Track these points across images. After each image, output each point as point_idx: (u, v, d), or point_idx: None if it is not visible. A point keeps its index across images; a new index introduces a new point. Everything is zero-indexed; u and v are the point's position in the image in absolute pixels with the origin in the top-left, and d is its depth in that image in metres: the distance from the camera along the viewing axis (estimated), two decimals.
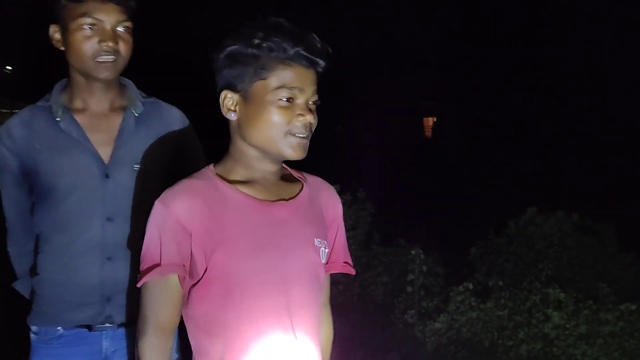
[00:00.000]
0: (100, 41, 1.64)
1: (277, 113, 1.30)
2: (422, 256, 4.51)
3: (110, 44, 1.65)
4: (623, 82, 13.55)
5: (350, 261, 1.52)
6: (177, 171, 1.84)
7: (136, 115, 1.77)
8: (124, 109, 1.77)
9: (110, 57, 1.66)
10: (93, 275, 1.72)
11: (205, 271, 1.30)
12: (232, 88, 1.33)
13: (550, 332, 3.80)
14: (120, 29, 1.68)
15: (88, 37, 1.64)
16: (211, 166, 1.39)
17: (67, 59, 1.70)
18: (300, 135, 1.32)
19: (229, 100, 1.34)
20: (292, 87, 1.30)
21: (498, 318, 4.06)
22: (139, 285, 1.32)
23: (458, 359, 3.95)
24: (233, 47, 1.32)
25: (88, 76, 1.70)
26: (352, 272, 1.52)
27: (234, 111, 1.35)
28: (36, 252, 1.79)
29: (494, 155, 12.69)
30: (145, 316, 1.31)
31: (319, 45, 1.32)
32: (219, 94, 1.36)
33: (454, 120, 19.96)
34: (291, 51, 1.29)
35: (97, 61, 1.66)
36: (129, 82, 1.82)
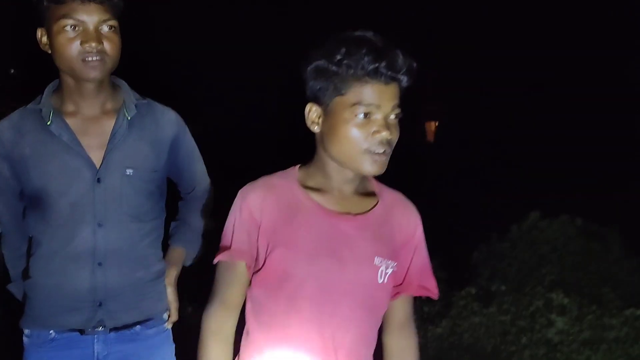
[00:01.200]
0: (82, 42, 1.62)
1: (354, 129, 1.34)
2: None
3: (94, 44, 1.62)
4: (631, 84, 13.55)
5: (429, 285, 1.51)
6: (174, 175, 1.83)
7: (129, 118, 1.74)
8: (116, 111, 1.74)
9: (96, 57, 1.63)
10: (84, 280, 1.71)
11: (263, 264, 1.40)
12: (317, 101, 1.38)
13: (553, 338, 3.78)
14: (104, 28, 1.64)
15: (71, 39, 1.62)
16: (296, 168, 1.45)
17: (55, 61, 1.68)
18: (378, 152, 1.33)
19: (313, 113, 1.39)
20: (368, 104, 1.32)
21: (501, 323, 4.04)
22: (214, 262, 1.44)
23: None
24: (318, 62, 1.35)
25: (77, 78, 1.67)
26: (432, 296, 1.52)
27: (318, 124, 1.39)
28: (28, 255, 1.77)
29: (496, 159, 12.69)
30: (213, 291, 1.44)
31: (400, 62, 1.32)
32: (306, 105, 1.40)
33: (456, 124, 19.97)
34: (368, 68, 1.31)
35: (83, 61, 1.63)
36: (122, 83, 1.79)
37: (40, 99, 1.74)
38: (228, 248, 1.40)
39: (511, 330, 3.99)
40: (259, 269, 1.41)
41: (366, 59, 1.31)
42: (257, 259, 1.41)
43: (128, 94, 1.78)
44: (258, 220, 1.38)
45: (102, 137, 1.72)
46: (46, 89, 1.76)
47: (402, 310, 1.52)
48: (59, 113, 1.71)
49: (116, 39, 1.67)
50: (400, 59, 1.33)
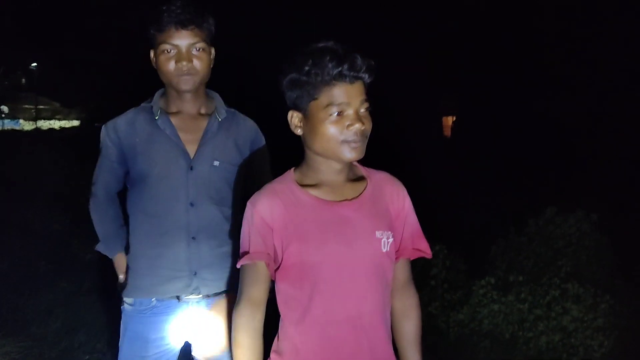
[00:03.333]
0: (176, 61, 2.00)
1: (330, 127, 1.56)
2: (445, 251, 4.71)
3: (185, 63, 2.00)
4: None
5: (423, 247, 1.72)
6: (247, 172, 2.13)
7: (219, 120, 2.11)
8: (210, 115, 2.12)
9: (187, 74, 2.01)
10: (181, 251, 2.03)
11: (282, 259, 1.58)
12: (296, 108, 1.61)
13: (568, 325, 3.96)
14: (194, 51, 2.02)
15: (168, 59, 2.02)
16: (292, 171, 1.66)
17: (160, 77, 2.06)
18: (353, 142, 1.56)
19: (295, 118, 1.62)
20: (339, 103, 1.55)
21: (519, 311, 4.23)
22: (238, 267, 1.61)
23: (480, 349, 4.14)
24: (290, 75, 1.58)
25: (174, 88, 2.05)
26: (426, 255, 1.73)
27: (300, 127, 1.62)
28: (129, 233, 2.12)
29: (514, 154, 12.75)
30: (240, 291, 1.60)
31: (360, 63, 1.55)
32: (287, 113, 1.63)
33: (474, 120, 19.95)
34: (333, 72, 1.53)
35: (177, 77, 2.01)
36: (215, 94, 2.18)
37: (151, 99, 2.13)
38: (247, 252, 1.57)
39: (528, 317, 4.18)
40: (279, 266, 1.58)
41: (330, 65, 1.51)
42: (275, 257, 1.58)
43: (220, 102, 2.18)
44: (270, 224, 1.56)
45: (197, 134, 2.09)
46: (156, 93, 2.15)
47: (402, 272, 1.72)
48: (165, 112, 2.10)
49: (205, 57, 2.05)
50: (360, 60, 1.53)
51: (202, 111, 2.13)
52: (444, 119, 26.39)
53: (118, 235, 2.17)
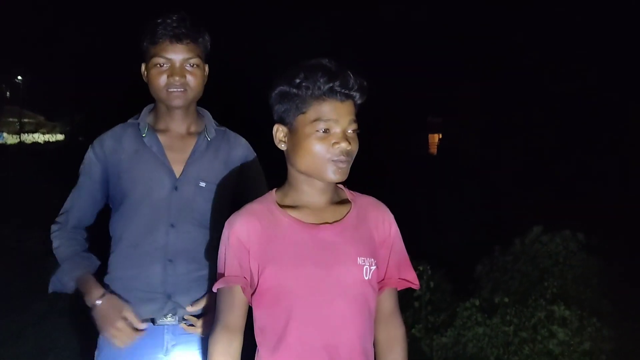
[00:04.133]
0: (169, 76, 1.94)
1: (316, 143, 1.49)
2: (429, 272, 4.61)
3: (177, 78, 1.93)
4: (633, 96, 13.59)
5: (410, 277, 1.64)
6: (239, 193, 2.04)
7: (209, 139, 2.04)
8: (199, 133, 2.04)
9: (179, 89, 1.94)
10: (157, 273, 1.95)
11: (258, 283, 1.50)
12: (282, 122, 1.54)
13: (554, 348, 3.87)
14: (188, 66, 1.95)
15: (160, 73, 1.95)
16: (273, 191, 1.59)
17: (150, 91, 1.99)
18: (338, 161, 1.49)
19: (280, 132, 1.55)
20: (327, 119, 1.48)
21: (504, 334, 4.13)
22: (214, 290, 1.55)
23: None
24: (280, 87, 1.52)
25: (164, 104, 1.98)
26: (414, 286, 1.65)
27: (284, 142, 1.55)
28: (108, 253, 2.02)
29: (499, 172, 12.78)
30: (216, 317, 1.54)
31: (352, 81, 1.50)
32: (273, 127, 1.56)
33: (459, 137, 20.05)
34: (324, 88, 1.48)
35: (168, 91, 1.94)
36: (205, 112, 2.11)
37: (139, 115, 2.06)
38: (223, 275, 1.51)
39: (514, 340, 4.08)
40: (255, 290, 1.52)
41: (322, 80, 1.47)
42: (251, 281, 1.51)
43: (209, 121, 2.10)
44: (247, 246, 1.50)
45: (185, 153, 2.02)
46: (144, 109, 2.08)
47: (387, 303, 1.64)
48: (153, 129, 2.02)
49: (198, 73, 1.98)
50: (352, 78, 1.50)
51: (192, 129, 2.06)
52: (430, 136, 26.53)
53: (87, 256, 2.03)
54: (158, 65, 1.94)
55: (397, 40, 20.28)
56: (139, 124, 2.03)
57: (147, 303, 1.96)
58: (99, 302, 1.91)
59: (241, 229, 1.51)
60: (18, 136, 30.95)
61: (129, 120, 2.07)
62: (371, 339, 1.58)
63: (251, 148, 2.15)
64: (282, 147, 1.56)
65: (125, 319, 1.90)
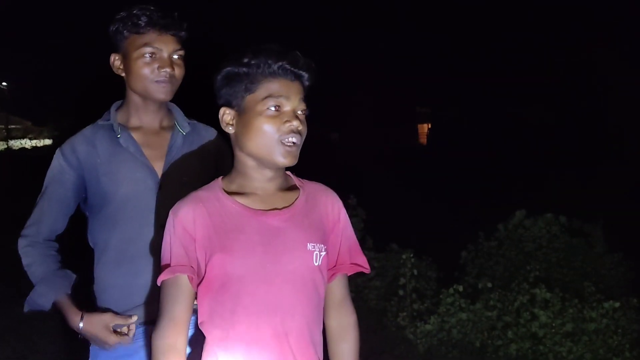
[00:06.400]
0: (159, 67, 1.86)
1: (267, 122, 1.45)
2: (413, 260, 4.61)
3: (168, 69, 1.87)
4: (616, 81, 13.67)
5: (361, 261, 1.61)
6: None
7: (183, 133, 1.98)
8: (171, 128, 1.98)
9: (167, 81, 1.88)
10: (152, 277, 1.85)
11: (205, 272, 1.46)
12: (229, 105, 1.50)
13: (537, 331, 3.89)
14: (175, 56, 1.89)
15: (148, 64, 1.87)
16: (219, 179, 1.55)
17: (128, 83, 1.92)
18: (290, 142, 1.46)
19: (227, 115, 1.51)
20: (278, 96, 1.45)
21: (487, 319, 4.15)
22: (158, 283, 1.48)
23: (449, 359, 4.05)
24: (227, 69, 1.48)
25: (146, 97, 1.91)
26: (365, 270, 1.62)
27: (232, 125, 1.51)
28: (94, 265, 1.94)
29: (484, 160, 12.82)
30: (161, 310, 1.47)
31: (301, 61, 1.48)
32: (219, 112, 1.52)
33: (448, 127, 20.08)
34: (275, 66, 1.45)
35: (155, 82, 1.87)
36: (173, 106, 2.03)
37: (108, 115, 1.96)
38: (168, 266, 1.45)
39: (497, 325, 4.11)
40: (201, 280, 1.46)
41: (272, 58, 1.45)
42: (198, 271, 1.45)
43: (180, 114, 2.02)
44: (193, 234, 1.44)
45: (161, 150, 1.95)
46: (112, 107, 1.98)
47: (338, 290, 1.61)
48: (125, 128, 1.94)
49: (183, 65, 1.92)
50: (301, 58, 1.48)
51: (164, 124, 1.99)
52: (420, 126, 26.52)
53: (62, 274, 1.91)
54: (146, 56, 1.86)
55: (386, 30, 20.25)
56: (112, 125, 1.93)
57: (144, 308, 1.88)
58: (81, 324, 1.83)
59: (186, 216, 1.46)
60: (5, 142, 30.74)
61: (98, 122, 1.97)
62: (320, 327, 1.55)
63: (220, 136, 2.05)
64: (230, 130, 1.51)
65: (113, 330, 1.82)
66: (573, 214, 5.29)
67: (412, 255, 4.60)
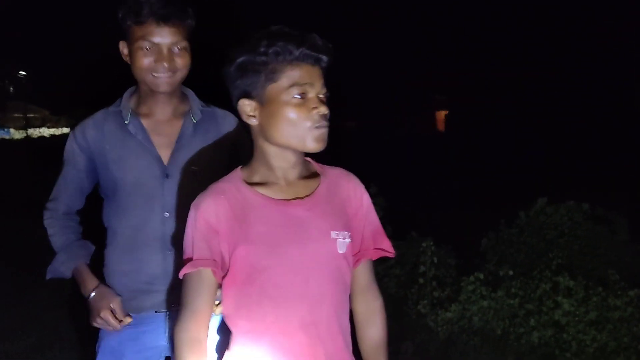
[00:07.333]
0: (156, 60, 1.85)
1: (294, 110, 1.41)
2: (433, 248, 4.58)
3: (165, 63, 1.85)
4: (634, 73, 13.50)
5: (385, 246, 1.58)
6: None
7: (194, 121, 1.95)
8: (184, 115, 1.96)
9: (166, 74, 1.86)
10: (157, 265, 1.90)
11: (229, 265, 1.44)
12: (248, 96, 1.45)
13: (560, 319, 3.85)
14: (175, 49, 1.86)
15: (146, 55, 1.85)
16: (238, 169, 1.52)
17: (132, 71, 1.90)
18: (321, 127, 1.43)
19: (247, 107, 1.46)
20: (302, 83, 1.41)
21: (509, 306, 4.11)
22: (180, 276, 1.46)
23: (470, 347, 4.02)
24: (242, 59, 1.43)
25: (148, 87, 1.90)
26: (389, 255, 1.59)
27: (254, 116, 1.46)
28: (104, 245, 1.97)
29: (505, 146, 12.71)
30: (183, 303, 1.45)
31: (320, 44, 1.43)
32: (236, 105, 1.48)
33: (465, 113, 19.94)
34: (296, 52, 1.40)
35: (153, 76, 1.86)
36: (190, 92, 2.01)
37: (120, 101, 1.96)
38: (191, 259, 1.43)
39: (519, 313, 4.07)
40: (226, 273, 1.45)
41: (291, 44, 1.39)
42: (222, 264, 1.43)
43: (195, 101, 2.00)
44: (216, 227, 1.42)
45: (171, 137, 1.94)
46: (125, 93, 1.97)
47: (364, 275, 1.59)
48: (136, 114, 1.93)
49: (186, 56, 1.88)
50: (319, 40, 1.42)
51: (177, 111, 1.97)
52: (437, 113, 26.36)
53: (82, 244, 1.99)
54: (144, 49, 1.84)
55: (405, 19, 20.09)
56: (121, 111, 1.93)
57: (150, 296, 1.90)
58: (92, 294, 1.89)
59: (208, 210, 1.43)
60: (25, 131, 31.04)
61: (109, 107, 1.98)
62: (347, 314, 1.54)
63: (240, 124, 2.02)
64: (253, 122, 1.47)
65: (112, 310, 1.87)
66: (596, 202, 5.21)
67: (432, 243, 4.57)
